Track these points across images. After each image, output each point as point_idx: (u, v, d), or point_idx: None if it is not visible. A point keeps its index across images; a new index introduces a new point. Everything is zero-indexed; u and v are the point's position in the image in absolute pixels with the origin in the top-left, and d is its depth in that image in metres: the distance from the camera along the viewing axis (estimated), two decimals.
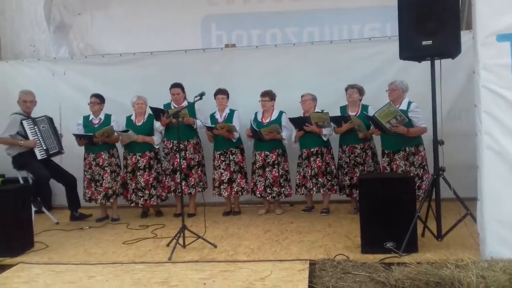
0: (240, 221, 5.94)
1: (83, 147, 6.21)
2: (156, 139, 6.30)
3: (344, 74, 6.35)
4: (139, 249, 4.83)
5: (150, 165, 6.23)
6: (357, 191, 5.25)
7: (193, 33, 7.68)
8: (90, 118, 6.26)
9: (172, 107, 6.23)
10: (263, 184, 6.09)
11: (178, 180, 6.09)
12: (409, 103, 5.33)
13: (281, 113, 6.13)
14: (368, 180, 4.42)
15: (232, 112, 6.24)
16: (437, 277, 3.41)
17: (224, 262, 4.27)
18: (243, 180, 6.22)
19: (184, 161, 6.13)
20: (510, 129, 3.80)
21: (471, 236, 4.24)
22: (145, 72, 6.96)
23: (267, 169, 6.07)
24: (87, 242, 5.22)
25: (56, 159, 6.28)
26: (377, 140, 5.82)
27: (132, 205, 6.28)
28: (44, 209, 6.23)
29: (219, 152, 6.19)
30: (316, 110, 5.99)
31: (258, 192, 6.12)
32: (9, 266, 4.43)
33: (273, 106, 6.15)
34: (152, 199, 6.23)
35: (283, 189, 6.09)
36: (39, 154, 5.92)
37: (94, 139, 6.00)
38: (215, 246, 4.71)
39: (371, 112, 5.69)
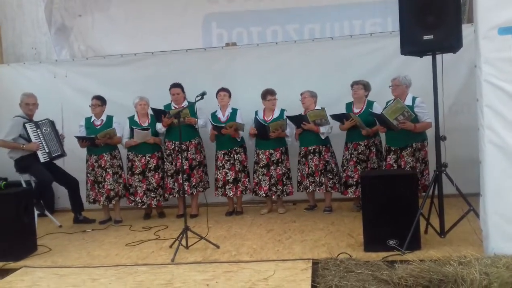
0: (242, 221, 5.93)
1: (85, 149, 6.21)
2: (162, 139, 6.34)
3: (346, 70, 6.34)
4: (142, 251, 4.84)
5: (158, 165, 6.25)
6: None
7: (193, 32, 7.66)
8: (92, 120, 6.26)
9: (173, 108, 6.22)
10: (268, 183, 6.06)
11: (180, 181, 6.10)
12: (414, 98, 5.29)
13: (282, 111, 6.12)
14: (369, 177, 4.39)
15: (235, 111, 6.21)
16: (440, 275, 3.39)
17: (227, 263, 4.26)
18: (247, 179, 6.20)
19: (186, 162, 6.12)
20: None
21: (474, 232, 4.22)
22: (146, 73, 6.96)
23: (271, 168, 6.04)
24: (90, 244, 5.23)
25: (58, 162, 6.29)
26: (382, 137, 5.79)
27: (144, 207, 6.27)
28: (47, 212, 6.25)
29: (223, 152, 6.17)
30: (316, 107, 5.96)
31: (263, 192, 6.08)
32: (13, 270, 4.43)
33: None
34: (160, 199, 6.26)
35: (285, 187, 6.08)
36: (42, 157, 5.92)
37: (96, 140, 5.99)
38: (218, 247, 4.70)
39: (376, 108, 5.67)
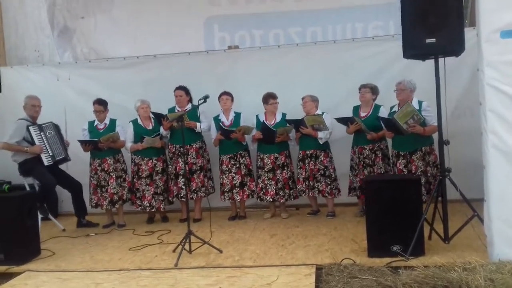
0: (245, 225, 5.93)
1: (89, 153, 6.20)
2: (166, 142, 6.37)
3: (348, 74, 6.34)
4: (145, 255, 4.83)
5: (164, 168, 6.27)
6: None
7: (196, 35, 7.68)
8: (95, 124, 6.26)
9: (176, 111, 6.22)
10: (274, 187, 6.02)
11: (180, 185, 6.11)
12: (420, 102, 5.28)
13: (284, 115, 6.12)
14: (373, 182, 4.38)
15: (238, 115, 6.21)
16: (445, 281, 3.38)
17: (230, 268, 4.26)
18: (253, 183, 6.19)
19: (186, 166, 6.10)
20: None
21: (478, 238, 4.21)
22: (149, 76, 6.96)
23: (277, 172, 6.02)
24: (94, 248, 5.23)
25: (62, 165, 6.28)
26: (388, 142, 5.77)
27: (153, 210, 6.28)
28: (50, 216, 6.24)
29: (228, 156, 6.14)
30: (318, 111, 5.94)
31: (269, 196, 6.03)
32: (16, 274, 4.44)
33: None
34: (164, 202, 6.28)
35: (291, 191, 6.07)
36: (46, 161, 5.93)
37: (99, 144, 5.99)
38: (221, 252, 4.70)
39: (382, 112, 5.65)
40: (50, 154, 5.98)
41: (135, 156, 6.24)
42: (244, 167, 6.13)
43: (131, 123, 6.30)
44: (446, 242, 4.30)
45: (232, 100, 6.22)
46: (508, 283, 3.26)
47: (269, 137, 5.92)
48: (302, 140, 5.99)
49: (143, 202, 6.19)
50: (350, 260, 4.12)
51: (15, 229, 4.71)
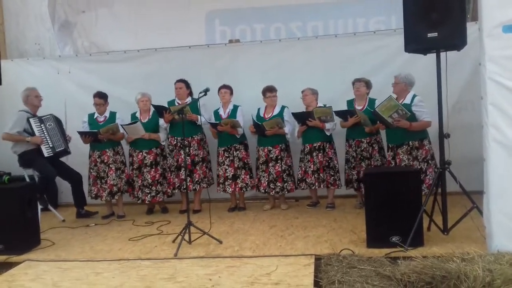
0: (245, 216, 5.94)
1: (88, 145, 6.21)
2: (162, 136, 6.32)
3: (349, 68, 6.33)
4: (145, 245, 4.85)
5: (156, 161, 6.25)
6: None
7: (197, 28, 7.69)
8: (95, 116, 6.28)
9: (176, 104, 6.23)
10: (266, 179, 6.07)
11: (182, 177, 6.11)
12: (413, 97, 5.26)
13: (283, 107, 6.12)
14: (373, 175, 4.39)
15: (235, 108, 6.22)
16: (443, 271, 3.37)
17: (229, 258, 4.27)
18: (247, 176, 6.20)
19: (188, 158, 6.12)
20: None
21: (477, 230, 4.22)
22: (149, 69, 6.96)
23: (270, 164, 6.06)
24: (93, 239, 5.25)
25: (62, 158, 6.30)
26: (382, 134, 5.80)
27: (139, 202, 6.30)
28: (50, 207, 6.26)
29: (223, 148, 6.18)
30: (319, 104, 5.96)
31: (262, 188, 6.11)
32: (16, 263, 4.45)
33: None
34: (159, 195, 6.24)
35: (285, 184, 6.08)
36: (46, 152, 5.94)
37: (99, 136, 6.00)
38: (221, 242, 4.71)
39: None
40: (50, 146, 5.99)
41: (131, 148, 6.29)
42: (238, 160, 6.15)
43: (131, 116, 6.32)
44: (445, 233, 4.31)
45: (232, 93, 6.23)
46: (506, 273, 3.26)
47: (259, 130, 5.97)
48: (307, 133, 5.99)
49: (132, 192, 6.29)
50: (349, 251, 4.12)
51: (15, 220, 4.72)
